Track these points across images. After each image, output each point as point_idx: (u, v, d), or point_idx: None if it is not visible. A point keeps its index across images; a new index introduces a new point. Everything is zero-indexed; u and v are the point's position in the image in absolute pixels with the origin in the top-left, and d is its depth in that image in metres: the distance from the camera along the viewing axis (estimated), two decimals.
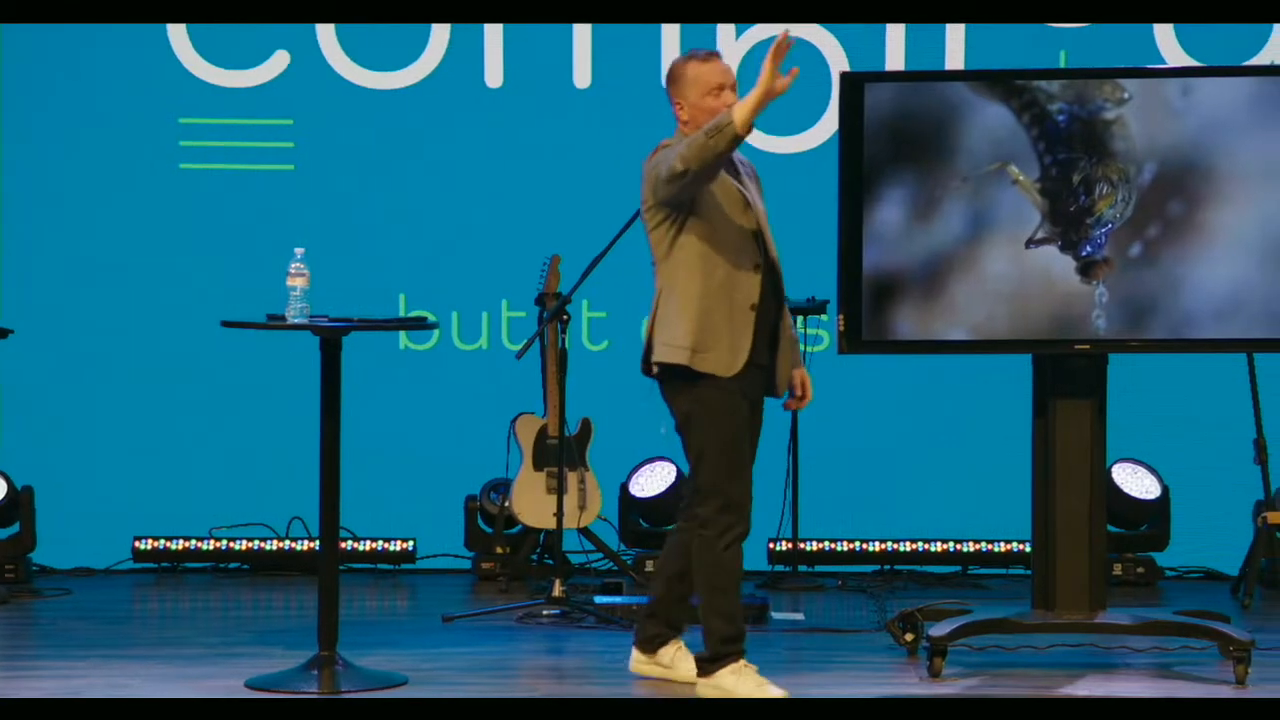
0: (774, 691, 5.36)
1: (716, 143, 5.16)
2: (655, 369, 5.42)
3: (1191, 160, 5.73)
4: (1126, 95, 5.74)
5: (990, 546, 7.49)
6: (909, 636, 6.04)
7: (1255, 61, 7.33)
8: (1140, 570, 7.33)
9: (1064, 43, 7.44)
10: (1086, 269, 5.78)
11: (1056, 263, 5.78)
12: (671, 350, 5.36)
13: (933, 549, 7.51)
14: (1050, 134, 5.76)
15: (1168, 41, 7.41)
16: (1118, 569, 7.26)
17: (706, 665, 5.42)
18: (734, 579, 5.39)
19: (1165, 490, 7.37)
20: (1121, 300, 5.76)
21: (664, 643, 5.62)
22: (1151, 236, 5.75)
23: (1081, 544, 5.81)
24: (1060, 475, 5.82)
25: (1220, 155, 5.72)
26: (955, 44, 7.46)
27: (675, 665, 5.60)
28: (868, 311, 5.80)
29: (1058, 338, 5.80)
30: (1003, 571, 7.48)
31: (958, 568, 7.53)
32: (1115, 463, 7.22)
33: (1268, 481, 7.09)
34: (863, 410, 7.50)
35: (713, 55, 5.43)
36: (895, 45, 7.49)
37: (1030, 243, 5.79)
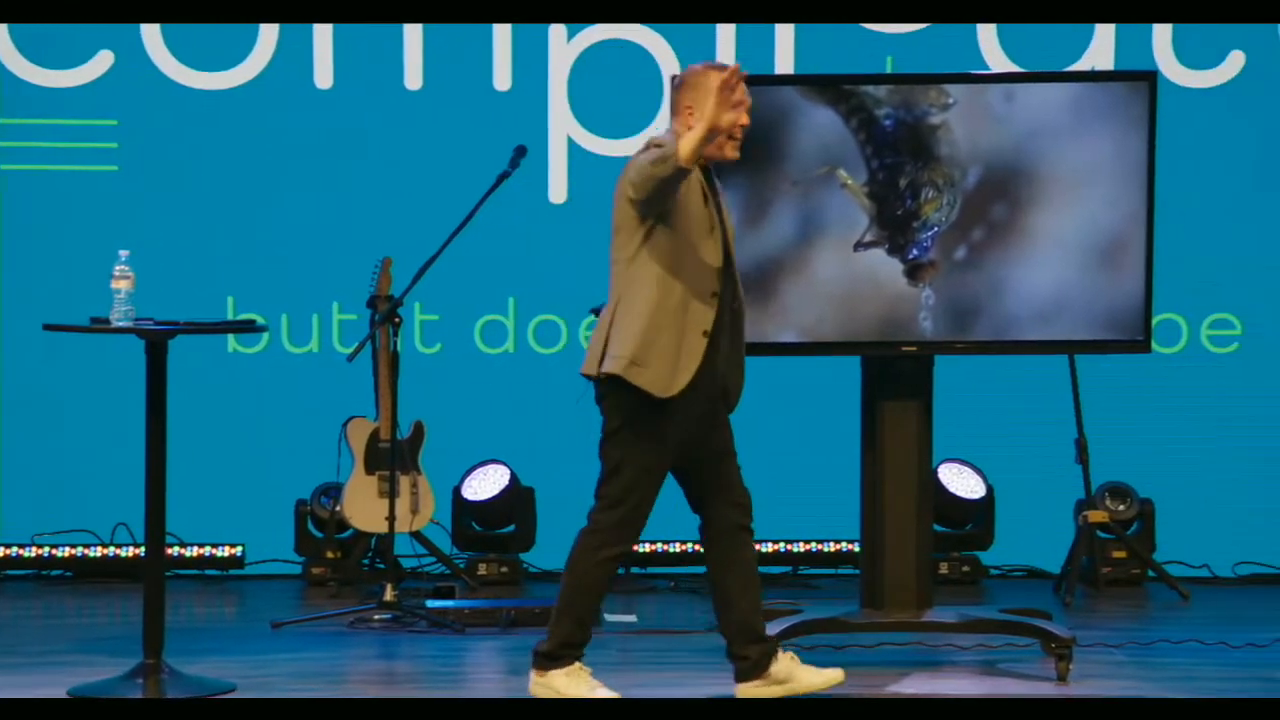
0: (605, 693, 5.37)
1: (660, 172, 5.10)
2: (601, 377, 5.31)
3: (1014, 165, 5.83)
4: (951, 101, 5.82)
5: (820, 547, 7.56)
6: None
7: (1078, 65, 7.46)
8: (965, 569, 7.44)
9: (890, 48, 7.53)
10: (913, 272, 5.85)
11: (884, 266, 5.85)
12: (613, 360, 5.28)
13: (763, 550, 7.55)
14: (877, 138, 5.83)
15: (991, 46, 7.53)
16: (944, 568, 7.36)
17: (543, 661, 5.40)
18: (599, 591, 5.39)
19: (990, 490, 7.48)
20: (947, 302, 5.85)
21: (771, 659, 5.46)
22: (976, 240, 5.85)
23: (908, 543, 5.89)
24: (888, 475, 5.89)
25: (1041, 160, 5.83)
26: (785, 47, 7.52)
27: (794, 676, 5.43)
28: None
29: (885, 340, 5.87)
30: (832, 571, 7.55)
31: (788, 568, 7.59)
32: (941, 463, 7.32)
33: (1088, 481, 7.23)
34: None
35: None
36: (725, 47, 7.53)
37: (858, 246, 5.85)
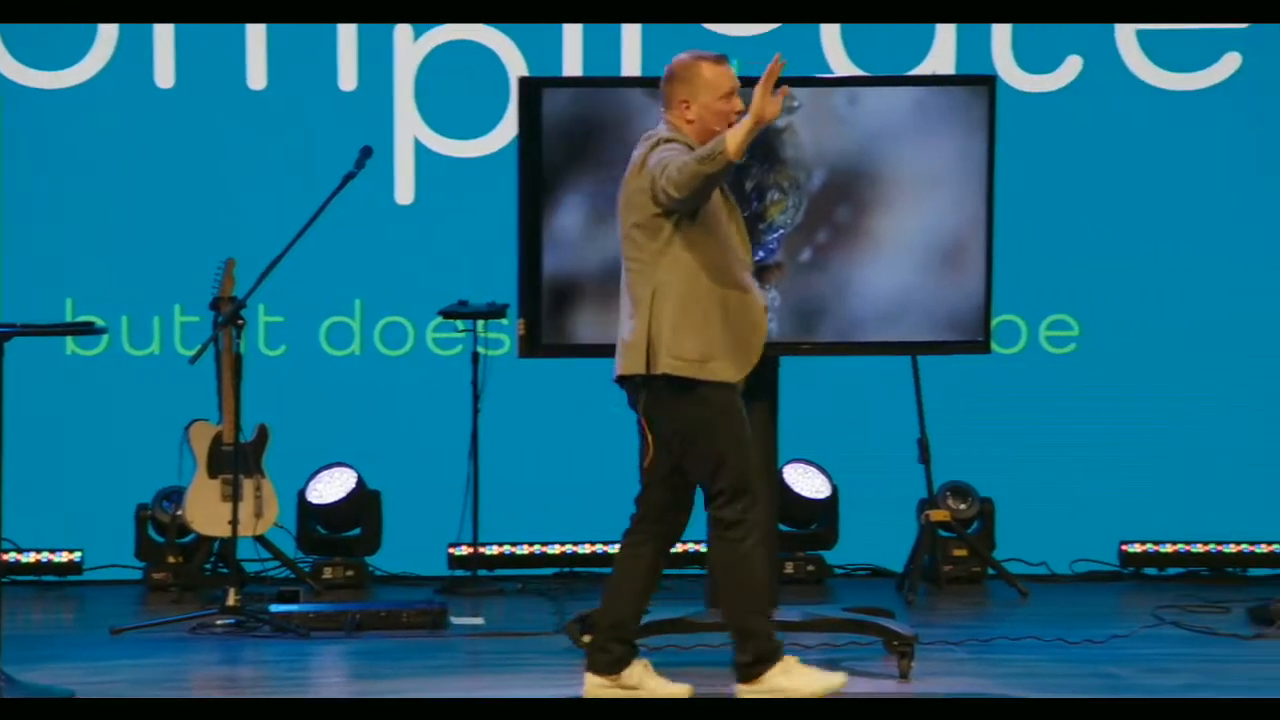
0: (833, 680, 5.39)
1: (710, 169, 5.11)
2: (658, 378, 5.28)
3: (858, 167, 5.89)
4: (796, 104, 5.87)
5: None
6: (587, 638, 6.07)
7: (920, 68, 7.55)
8: (810, 568, 7.49)
9: (735, 50, 7.55)
10: (759, 274, 5.89)
11: None
12: (679, 364, 5.26)
13: (611, 551, 7.55)
14: None
15: (835, 49, 7.59)
16: (789, 567, 7.41)
17: (753, 668, 5.35)
18: (764, 578, 5.39)
19: (834, 490, 7.55)
20: (793, 304, 5.89)
21: (628, 663, 5.47)
22: (821, 242, 5.90)
23: None
24: None
25: (884, 163, 5.89)
26: (631, 48, 7.54)
27: (644, 684, 5.45)
28: (548, 315, 5.83)
29: None
30: (679, 572, 7.56)
31: None
32: (787, 463, 7.37)
33: (930, 480, 7.32)
34: (543, 414, 7.54)
35: (723, 58, 5.36)
36: (572, 47, 7.54)
37: None
